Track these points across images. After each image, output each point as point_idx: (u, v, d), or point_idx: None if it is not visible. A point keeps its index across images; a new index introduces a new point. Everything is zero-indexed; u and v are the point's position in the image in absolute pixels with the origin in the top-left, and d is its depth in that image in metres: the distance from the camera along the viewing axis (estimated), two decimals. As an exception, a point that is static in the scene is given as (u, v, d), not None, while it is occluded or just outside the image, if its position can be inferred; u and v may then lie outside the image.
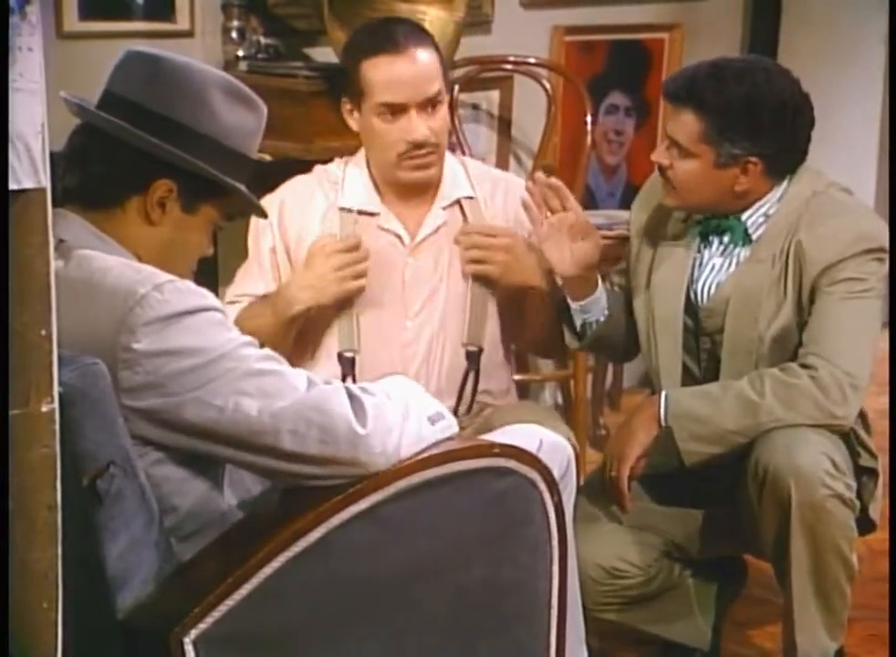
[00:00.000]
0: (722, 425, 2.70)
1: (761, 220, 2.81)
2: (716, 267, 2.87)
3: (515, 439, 2.21)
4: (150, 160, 2.08)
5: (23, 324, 1.50)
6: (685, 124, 2.73)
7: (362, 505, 1.94)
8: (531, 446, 2.21)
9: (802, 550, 2.65)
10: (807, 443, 2.65)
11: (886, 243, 2.77)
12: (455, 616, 2.09)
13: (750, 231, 2.82)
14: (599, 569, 2.87)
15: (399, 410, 2.01)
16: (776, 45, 5.38)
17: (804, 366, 2.70)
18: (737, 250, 2.85)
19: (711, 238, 2.88)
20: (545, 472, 2.12)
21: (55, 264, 1.53)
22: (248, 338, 2.00)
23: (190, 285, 1.97)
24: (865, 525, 2.83)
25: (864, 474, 2.83)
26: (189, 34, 3.91)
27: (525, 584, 2.17)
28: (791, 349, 2.78)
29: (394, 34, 2.91)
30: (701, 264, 2.89)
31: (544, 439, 2.32)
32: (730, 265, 2.86)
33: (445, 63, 3.00)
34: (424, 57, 2.89)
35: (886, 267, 2.78)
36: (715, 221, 2.85)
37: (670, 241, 2.93)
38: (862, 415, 2.92)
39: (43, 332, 1.51)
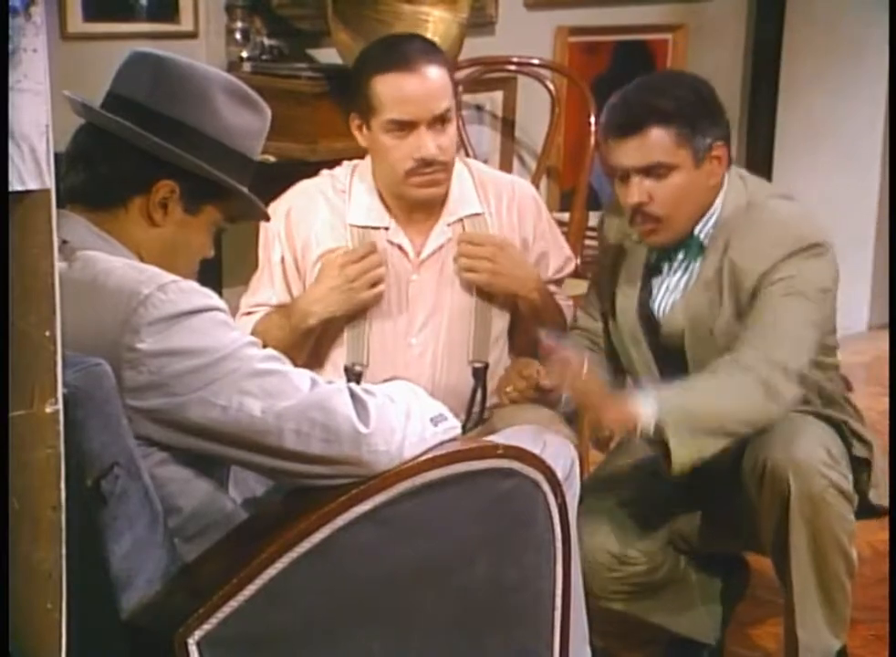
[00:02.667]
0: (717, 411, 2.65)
1: (711, 230, 2.83)
2: (670, 288, 2.89)
3: (518, 440, 2.22)
4: (153, 160, 2.08)
5: (27, 325, 1.50)
6: (658, 142, 2.73)
7: (366, 505, 1.94)
8: (535, 447, 2.21)
9: (802, 543, 2.67)
10: (803, 435, 2.67)
11: (822, 238, 2.77)
12: (459, 616, 2.09)
13: (704, 242, 2.83)
14: (607, 555, 2.89)
15: (401, 410, 2.02)
16: (780, 45, 5.39)
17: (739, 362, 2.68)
18: (690, 265, 2.87)
19: (661, 264, 2.90)
20: (548, 473, 2.12)
21: (58, 265, 1.53)
22: (252, 338, 2.00)
23: (193, 285, 1.97)
24: (867, 511, 2.83)
25: (858, 463, 2.83)
26: (193, 35, 3.92)
27: (528, 584, 2.17)
28: None
29: (405, 50, 2.89)
30: (661, 282, 2.90)
31: (548, 440, 2.33)
32: (682, 282, 2.88)
33: (455, 81, 2.98)
34: (434, 74, 2.88)
35: (828, 260, 2.77)
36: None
37: (629, 263, 2.95)
38: (852, 405, 2.92)
39: (47, 333, 1.51)
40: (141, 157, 2.07)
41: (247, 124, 2.17)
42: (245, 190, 2.17)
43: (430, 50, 2.95)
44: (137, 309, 1.89)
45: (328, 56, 4.00)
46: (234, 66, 3.88)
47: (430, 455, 2.01)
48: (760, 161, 5.28)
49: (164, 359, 1.89)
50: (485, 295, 3.01)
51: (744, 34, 5.36)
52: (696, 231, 2.83)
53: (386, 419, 1.98)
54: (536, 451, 2.19)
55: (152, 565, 1.93)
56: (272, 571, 1.90)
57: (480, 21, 4.45)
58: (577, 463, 2.40)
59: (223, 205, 2.18)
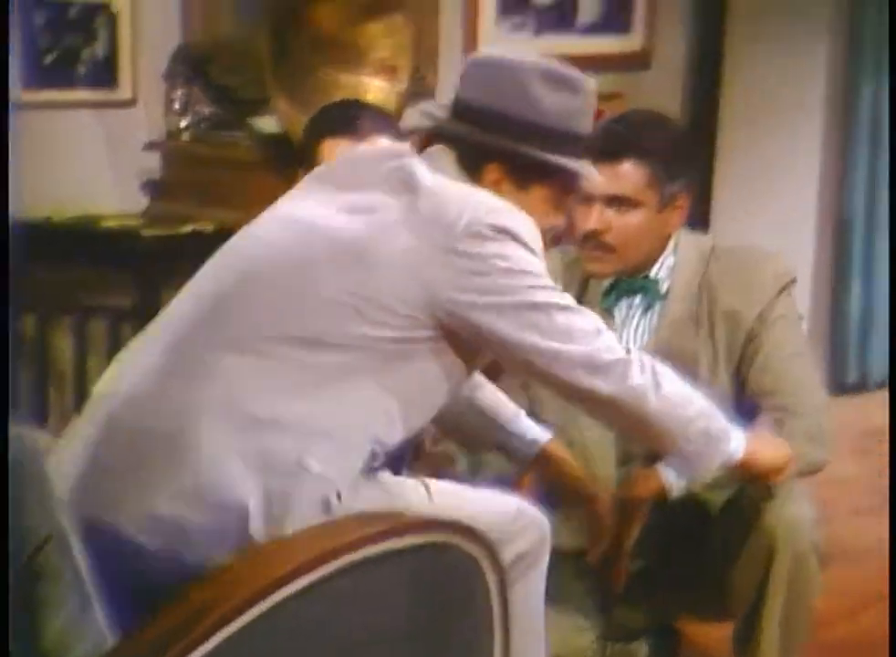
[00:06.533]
0: None
1: (664, 274, 2.86)
2: (630, 338, 2.85)
3: (490, 503, 2.22)
4: (483, 149, 2.34)
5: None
6: (628, 175, 2.75)
7: (302, 582, 1.93)
8: (505, 512, 2.21)
9: (777, 602, 2.63)
10: (793, 490, 2.64)
11: (793, 272, 2.87)
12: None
13: (660, 286, 2.85)
14: None
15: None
16: (717, 115, 5.46)
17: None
18: (649, 311, 2.87)
19: (614, 307, 2.88)
20: (487, 548, 2.11)
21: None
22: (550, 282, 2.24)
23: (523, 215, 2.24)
24: None
25: None
26: (132, 103, 3.92)
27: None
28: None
29: (357, 118, 2.91)
30: (619, 335, 2.87)
31: (521, 510, 2.28)
32: (643, 329, 2.87)
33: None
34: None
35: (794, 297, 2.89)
36: (626, 282, 2.86)
37: None
38: None
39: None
40: (472, 146, 2.34)
41: (566, 104, 2.37)
42: (569, 162, 2.36)
43: (383, 120, 2.95)
44: (469, 216, 2.17)
45: (267, 124, 4.01)
46: (172, 135, 3.88)
47: (366, 532, 2.00)
48: (696, 225, 5.32)
49: (480, 264, 2.16)
50: None
51: (680, 104, 5.42)
52: (653, 273, 2.85)
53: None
54: (507, 519, 2.21)
55: (89, 644, 1.91)
56: (209, 646, 1.88)
57: (420, 90, 4.47)
58: (548, 539, 2.34)
59: (550, 182, 2.38)
